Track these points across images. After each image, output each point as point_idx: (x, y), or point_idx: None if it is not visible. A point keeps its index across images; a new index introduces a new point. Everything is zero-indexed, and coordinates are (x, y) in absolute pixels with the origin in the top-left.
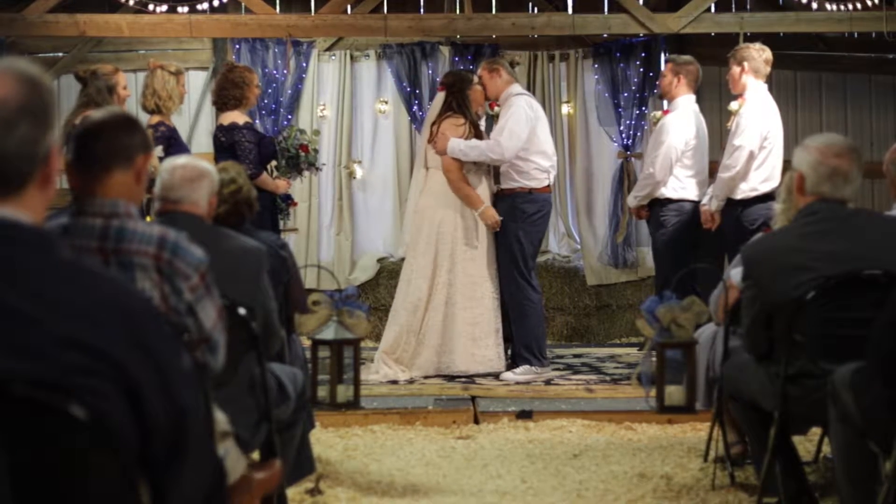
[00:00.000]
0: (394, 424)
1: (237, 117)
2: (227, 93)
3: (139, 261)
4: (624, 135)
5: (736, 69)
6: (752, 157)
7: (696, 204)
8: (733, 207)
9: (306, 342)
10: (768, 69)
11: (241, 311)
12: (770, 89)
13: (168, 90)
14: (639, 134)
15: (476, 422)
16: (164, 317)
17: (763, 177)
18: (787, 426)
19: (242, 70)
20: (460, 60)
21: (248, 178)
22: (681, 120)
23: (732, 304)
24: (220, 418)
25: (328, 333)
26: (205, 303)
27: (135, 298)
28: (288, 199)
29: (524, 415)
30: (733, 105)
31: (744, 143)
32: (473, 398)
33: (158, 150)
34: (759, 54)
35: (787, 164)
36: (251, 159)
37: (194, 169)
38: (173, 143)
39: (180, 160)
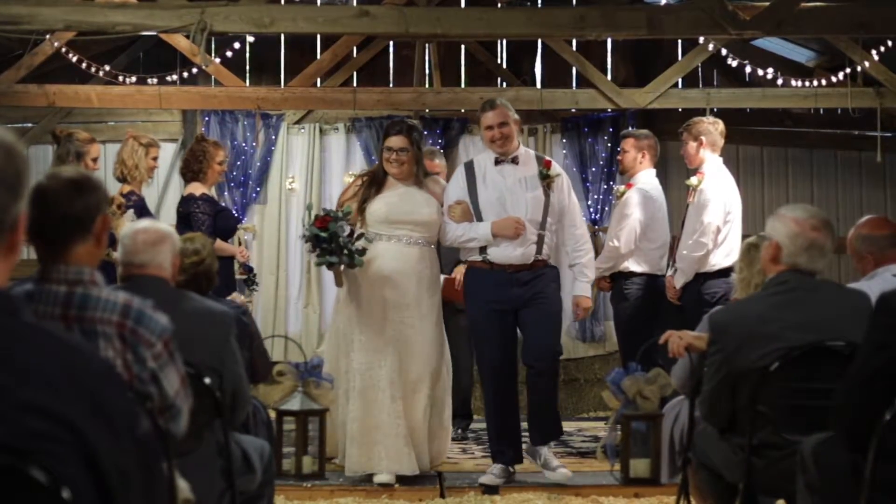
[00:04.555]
0: (359, 499)
1: (195, 188)
2: (188, 164)
3: (102, 329)
4: (592, 209)
5: (692, 144)
6: (717, 231)
7: (658, 277)
8: (694, 281)
9: (272, 414)
10: (723, 142)
11: (207, 380)
12: (737, 164)
13: (135, 160)
14: (607, 208)
15: (442, 496)
16: (125, 383)
17: (725, 251)
18: (752, 498)
19: (208, 144)
20: (429, 134)
21: (211, 251)
22: (645, 194)
23: (697, 376)
24: (183, 486)
25: (293, 404)
26: (168, 371)
27: (96, 364)
28: (250, 270)
29: (490, 490)
30: (693, 180)
31: (711, 219)
32: (440, 473)
33: (130, 214)
34: (715, 127)
35: (743, 238)
36: (202, 231)
37: (156, 232)
38: (144, 213)
39: (141, 224)
